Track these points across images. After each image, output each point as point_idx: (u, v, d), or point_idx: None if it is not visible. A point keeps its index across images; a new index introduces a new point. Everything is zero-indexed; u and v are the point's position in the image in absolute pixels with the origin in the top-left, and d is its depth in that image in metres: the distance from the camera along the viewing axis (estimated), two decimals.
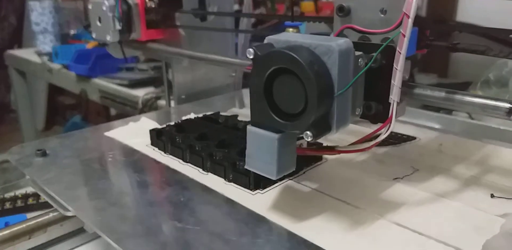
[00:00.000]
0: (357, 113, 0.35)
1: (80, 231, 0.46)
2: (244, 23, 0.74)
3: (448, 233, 0.34)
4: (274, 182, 0.42)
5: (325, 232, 0.34)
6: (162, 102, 1.10)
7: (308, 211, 0.37)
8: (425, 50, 0.36)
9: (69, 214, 0.40)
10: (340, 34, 0.36)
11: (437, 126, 0.71)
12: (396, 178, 0.43)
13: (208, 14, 0.67)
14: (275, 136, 0.32)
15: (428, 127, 0.58)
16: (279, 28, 0.39)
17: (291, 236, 0.34)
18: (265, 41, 0.33)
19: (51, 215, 0.44)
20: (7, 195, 0.60)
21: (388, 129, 0.33)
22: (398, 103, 0.32)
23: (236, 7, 1.12)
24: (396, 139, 0.52)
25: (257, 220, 0.36)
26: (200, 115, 0.59)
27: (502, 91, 0.76)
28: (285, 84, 0.31)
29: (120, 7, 0.60)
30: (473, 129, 0.69)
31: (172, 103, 0.80)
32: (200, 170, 0.45)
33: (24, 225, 0.43)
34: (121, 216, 0.38)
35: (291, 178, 0.43)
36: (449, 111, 0.76)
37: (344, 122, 0.32)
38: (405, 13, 0.30)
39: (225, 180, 0.43)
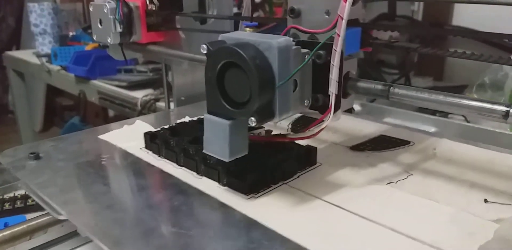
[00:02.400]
0: (306, 104, 0.39)
1: None
2: (243, 25, 0.74)
3: (442, 238, 0.33)
4: (268, 186, 0.42)
5: (318, 237, 0.34)
6: (161, 104, 1.10)
7: (302, 216, 0.37)
8: (370, 49, 0.40)
9: (61, 218, 0.40)
10: (292, 34, 0.40)
11: (432, 129, 0.71)
12: (390, 182, 0.43)
13: (208, 17, 0.67)
14: (227, 122, 0.36)
15: (422, 131, 0.58)
16: (277, 30, 0.41)
17: (285, 241, 0.34)
18: (219, 38, 0.37)
19: (51, 216, 0.44)
20: (6, 196, 0.60)
21: (329, 118, 0.37)
22: (337, 96, 0.37)
23: (235, 10, 1.13)
24: (390, 143, 0.52)
25: (250, 224, 0.36)
26: (195, 118, 0.59)
27: (498, 95, 0.76)
28: (234, 76, 0.35)
29: (121, 9, 0.60)
30: (469, 131, 0.69)
31: (172, 105, 0.80)
32: (194, 173, 0.45)
33: (24, 226, 0.43)
34: (114, 220, 0.37)
35: (285, 182, 0.43)
36: (445, 114, 0.77)
37: (286, 110, 0.36)
38: (339, 15, 0.34)
39: (219, 184, 0.43)
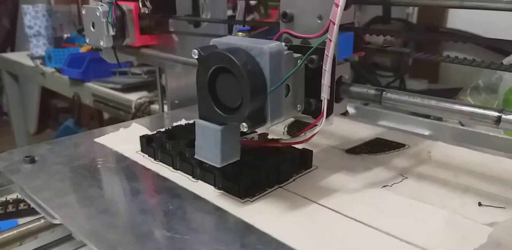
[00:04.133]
0: (298, 109, 0.39)
1: (71, 237, 0.46)
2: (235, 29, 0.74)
3: (436, 242, 0.34)
4: (264, 190, 0.42)
5: (314, 241, 0.34)
6: (155, 106, 1.10)
7: (297, 220, 0.37)
8: (363, 53, 0.41)
9: (56, 222, 0.40)
10: (284, 39, 0.40)
11: (427, 132, 0.71)
12: (385, 186, 0.43)
13: (201, 21, 0.67)
14: (219, 127, 0.36)
15: (417, 134, 0.58)
16: (272, 33, 0.41)
17: (280, 245, 0.34)
18: (210, 43, 0.37)
19: (42, 221, 0.44)
20: None
21: (321, 123, 0.37)
22: (329, 101, 0.37)
23: (229, 13, 1.13)
24: (385, 146, 0.53)
25: (245, 229, 0.36)
26: (191, 121, 0.59)
27: (492, 98, 0.77)
28: (225, 82, 0.35)
29: (114, 12, 0.60)
30: (463, 134, 0.70)
31: (166, 108, 0.80)
32: (190, 177, 0.45)
33: (15, 232, 0.43)
34: (109, 225, 0.37)
35: (281, 185, 0.43)
36: (439, 117, 0.77)
37: (278, 115, 0.36)
38: (331, 20, 0.34)
39: (215, 187, 0.43)
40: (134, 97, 1.16)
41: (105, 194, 0.43)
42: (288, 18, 0.40)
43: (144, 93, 1.18)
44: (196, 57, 0.36)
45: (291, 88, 0.37)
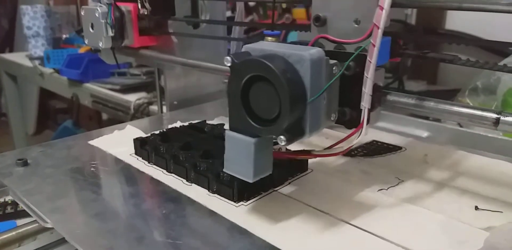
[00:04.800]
0: (332, 119, 0.36)
1: None
2: (237, 30, 0.74)
3: (432, 247, 0.33)
4: (258, 193, 0.42)
5: (308, 246, 0.34)
6: (154, 107, 1.09)
7: (291, 224, 0.37)
8: (399, 59, 0.38)
9: (48, 226, 0.39)
10: (316, 43, 0.37)
11: (425, 133, 0.71)
12: (381, 189, 0.42)
13: (200, 22, 0.67)
14: (252, 140, 0.33)
15: (414, 136, 0.58)
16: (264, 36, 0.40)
17: None
18: (243, 49, 0.34)
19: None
20: None
21: (360, 134, 0.34)
22: (369, 110, 0.34)
23: (228, 13, 1.12)
24: (382, 149, 0.52)
25: (239, 233, 0.36)
26: (186, 123, 0.58)
27: (490, 99, 0.76)
28: (261, 91, 0.32)
29: (113, 13, 0.59)
30: (462, 136, 0.69)
31: (164, 109, 0.80)
32: (184, 180, 0.45)
33: (13, 233, 0.43)
34: (102, 229, 0.37)
35: (275, 189, 0.43)
36: (438, 119, 0.76)
37: (317, 127, 0.33)
38: (375, 24, 0.31)
39: (209, 191, 0.43)
40: (132, 98, 1.15)
41: (97, 197, 0.43)
42: (321, 22, 0.38)
43: (143, 94, 1.18)
44: (229, 64, 0.33)
45: (325, 97, 0.34)
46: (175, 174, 0.46)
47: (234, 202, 0.40)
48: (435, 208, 0.39)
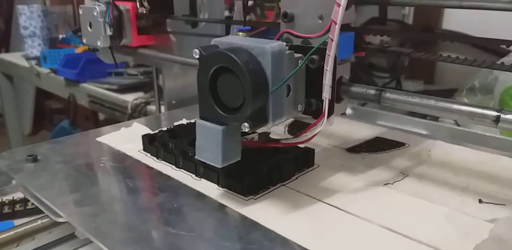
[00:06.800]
0: (299, 109, 0.39)
1: (69, 238, 0.46)
2: (235, 29, 0.74)
3: (438, 238, 0.34)
4: (267, 188, 0.42)
5: (318, 237, 0.35)
6: (151, 107, 1.10)
7: (301, 217, 0.38)
8: (363, 53, 0.41)
9: (61, 220, 0.40)
10: (285, 39, 0.40)
11: (423, 132, 0.72)
12: (386, 184, 0.43)
13: (199, 21, 0.67)
14: (220, 127, 0.36)
15: (417, 133, 0.59)
16: (268, 34, 0.41)
17: (285, 242, 0.34)
18: (212, 43, 0.37)
19: (39, 222, 0.44)
20: None
21: (322, 123, 0.37)
22: (331, 101, 0.37)
23: (226, 13, 1.13)
24: (386, 145, 0.53)
25: (250, 225, 0.37)
26: (193, 120, 0.59)
27: (487, 98, 0.78)
28: (227, 81, 0.35)
29: (111, 12, 0.60)
30: (459, 135, 0.70)
31: (162, 108, 0.80)
32: (193, 175, 0.46)
33: (12, 232, 0.43)
34: (114, 222, 0.38)
35: (283, 183, 0.44)
36: (435, 118, 0.78)
37: (280, 115, 0.36)
38: (332, 20, 0.34)
39: (218, 185, 0.43)
40: (130, 98, 1.15)
41: (108, 192, 0.43)
42: (288, 18, 0.40)
43: (140, 94, 1.18)
44: (197, 57, 0.36)
45: (292, 89, 0.37)
46: (184, 169, 0.47)
47: (244, 196, 0.41)
48: (440, 201, 0.40)
